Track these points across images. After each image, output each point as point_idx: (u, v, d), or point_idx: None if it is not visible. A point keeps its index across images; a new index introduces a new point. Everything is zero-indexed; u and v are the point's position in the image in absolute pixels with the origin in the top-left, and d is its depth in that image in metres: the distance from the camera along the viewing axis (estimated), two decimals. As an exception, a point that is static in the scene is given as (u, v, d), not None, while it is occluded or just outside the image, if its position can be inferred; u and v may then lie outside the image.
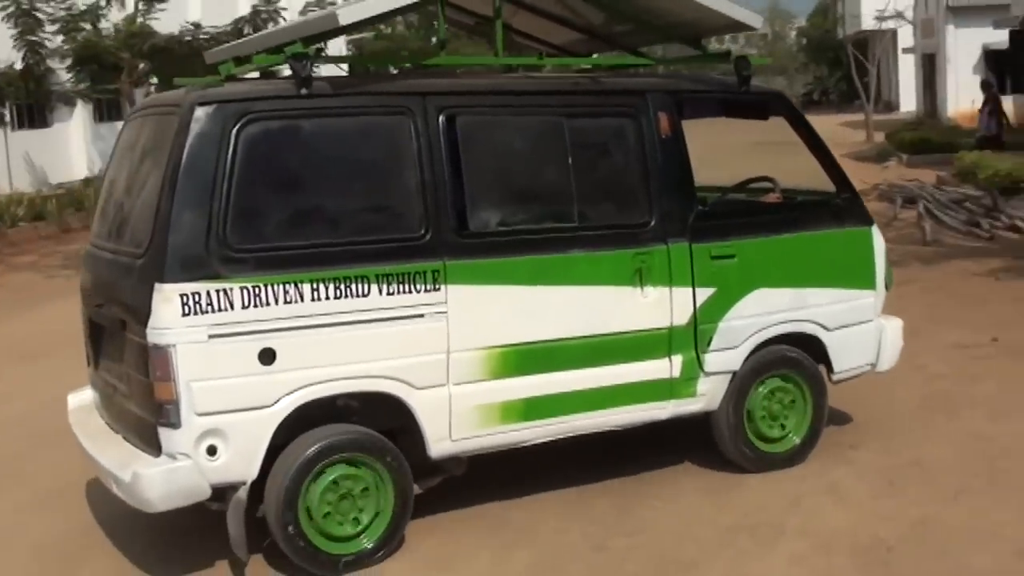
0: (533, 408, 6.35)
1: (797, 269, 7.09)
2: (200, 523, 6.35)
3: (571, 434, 6.62)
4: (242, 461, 5.67)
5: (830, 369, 7.37)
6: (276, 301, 5.65)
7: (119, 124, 32.50)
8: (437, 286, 5.99)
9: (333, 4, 29.60)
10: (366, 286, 5.82)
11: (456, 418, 6.13)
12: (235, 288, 5.57)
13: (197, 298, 5.50)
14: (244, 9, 29.51)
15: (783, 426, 7.18)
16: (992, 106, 26.64)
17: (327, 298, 5.75)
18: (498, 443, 6.38)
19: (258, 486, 5.85)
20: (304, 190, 5.94)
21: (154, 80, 29.67)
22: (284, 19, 28.70)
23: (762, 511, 6.62)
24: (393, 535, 6.05)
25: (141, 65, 28.32)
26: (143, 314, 5.54)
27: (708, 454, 7.26)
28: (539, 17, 7.90)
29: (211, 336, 5.54)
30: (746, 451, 7.07)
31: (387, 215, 6.09)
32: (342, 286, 5.78)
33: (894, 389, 8.29)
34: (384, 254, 5.91)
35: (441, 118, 6.12)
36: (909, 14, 43.22)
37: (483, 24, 8.16)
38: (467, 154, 6.17)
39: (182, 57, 27.61)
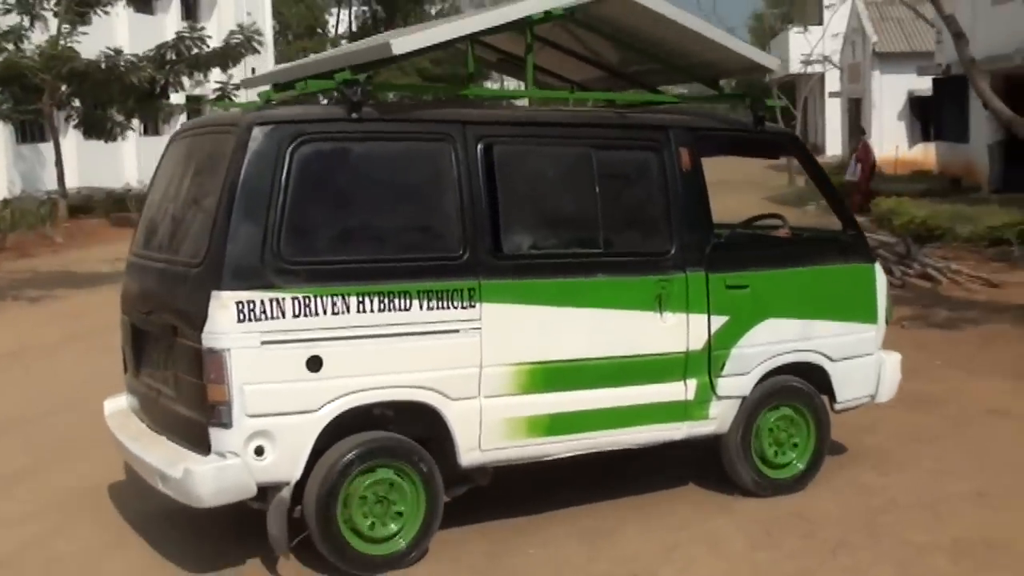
0: (558, 424, 6.65)
1: (805, 301, 7.43)
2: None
3: (592, 451, 6.91)
4: (287, 462, 5.97)
5: (833, 399, 7.67)
6: (324, 312, 5.98)
7: (41, 145, 32.46)
8: (472, 303, 6.32)
9: (257, 33, 29.64)
10: (408, 301, 6.16)
11: (486, 429, 6.43)
12: (287, 298, 5.91)
13: (252, 306, 5.84)
14: (170, 34, 29.34)
15: (787, 453, 7.46)
16: (861, 154, 26.81)
17: (372, 311, 6.08)
18: (524, 455, 6.67)
19: (296, 487, 6.10)
20: (352, 208, 6.25)
21: (75, 103, 29.40)
22: (208, 45, 28.68)
23: (635, 560, 6.48)
24: (425, 537, 6.35)
25: (63, 87, 28.04)
26: (199, 319, 5.86)
27: (585, 498, 7.12)
28: (562, 54, 8.22)
29: (263, 342, 5.87)
30: (753, 475, 7.35)
31: (428, 235, 6.40)
32: (386, 300, 6.11)
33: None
34: (424, 271, 6.24)
35: (479, 146, 6.48)
36: (836, 58, 43.74)
37: (506, 60, 8.64)
38: (502, 180, 6.51)
39: (100, 83, 27.44)
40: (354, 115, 6.22)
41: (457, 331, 6.28)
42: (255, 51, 30.11)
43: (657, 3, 7.18)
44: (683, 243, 6.98)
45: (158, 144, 40.41)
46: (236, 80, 34.01)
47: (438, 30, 6.83)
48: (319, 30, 69.38)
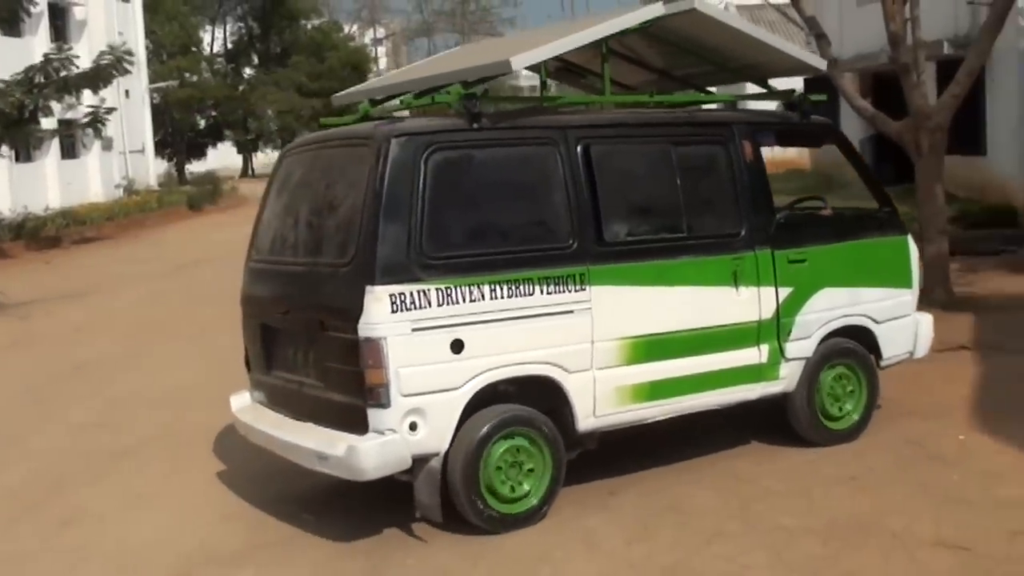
0: (657, 389, 7.46)
1: (853, 271, 8.36)
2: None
3: (685, 412, 7.72)
4: (437, 435, 6.70)
5: (879, 356, 8.60)
6: (463, 300, 6.75)
7: None
8: (583, 286, 7.13)
9: (128, 53, 29.16)
10: (531, 287, 6.96)
11: (599, 397, 7.23)
12: (431, 289, 6.67)
13: (402, 298, 6.57)
14: (39, 57, 28.66)
15: (845, 406, 8.36)
16: None
17: (502, 297, 6.87)
18: (630, 419, 7.48)
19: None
20: (478, 207, 7.06)
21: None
22: (77, 67, 28.11)
23: (515, 563, 6.51)
24: (553, 494, 7.09)
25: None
26: (354, 312, 6.57)
27: (456, 511, 7.06)
28: (616, 60, 8.75)
29: (414, 329, 6.60)
30: (817, 427, 8.24)
31: (542, 228, 7.20)
32: (513, 287, 6.90)
33: (659, 433, 8.23)
34: (542, 260, 7.05)
35: (579, 147, 7.32)
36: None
37: (563, 69, 9.40)
38: (600, 177, 7.31)
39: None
40: (475, 125, 7.02)
41: (572, 311, 7.09)
42: (126, 72, 29.58)
43: (728, 17, 8.31)
44: (751, 225, 7.87)
45: (33, 171, 39.41)
46: (109, 104, 33.60)
47: (547, 47, 7.49)
48: (193, 48, 68.44)
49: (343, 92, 9.22)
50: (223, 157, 71.71)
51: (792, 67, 9.03)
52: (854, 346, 8.42)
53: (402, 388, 6.55)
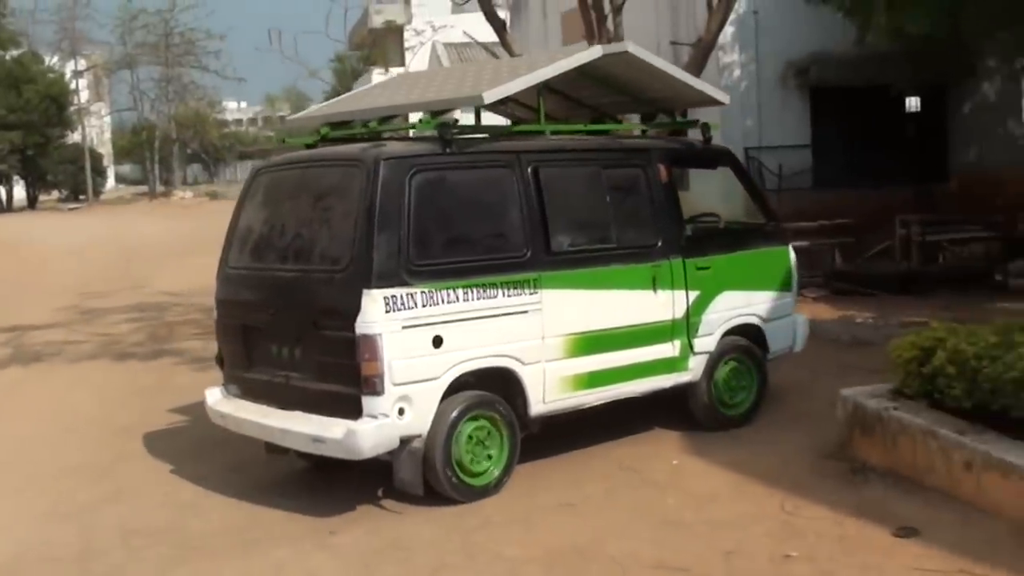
0: (594, 379, 8.50)
1: (746, 277, 9.58)
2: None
3: (615, 398, 8.75)
4: (420, 419, 7.58)
5: (766, 351, 9.75)
6: (443, 301, 7.70)
7: None
8: (535, 290, 8.17)
9: None
10: (495, 290, 7.96)
11: (548, 386, 8.24)
12: (417, 292, 7.59)
13: (394, 299, 7.48)
14: None
15: (738, 395, 9.49)
16: None
17: (472, 299, 7.84)
18: (572, 405, 8.49)
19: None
20: (453, 221, 8.04)
21: None
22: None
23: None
24: (510, 468, 8.04)
25: None
26: (351, 312, 7.42)
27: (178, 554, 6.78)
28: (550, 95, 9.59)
29: (404, 327, 7.49)
30: (715, 414, 9.36)
31: (503, 239, 8.23)
32: (481, 290, 7.89)
33: (378, 466, 8.11)
34: (503, 267, 8.06)
35: (530, 169, 8.34)
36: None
37: (505, 105, 9.83)
38: (547, 195, 8.35)
39: None
40: (447, 150, 8.02)
41: (527, 312, 8.10)
42: None
43: (649, 56, 9.38)
44: (666, 237, 9.02)
45: None
46: None
47: (516, 82, 8.53)
48: None
49: (297, 115, 10.56)
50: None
51: (700, 99, 10.18)
52: (747, 343, 9.58)
53: (393, 378, 7.40)
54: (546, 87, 9.09)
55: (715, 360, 9.31)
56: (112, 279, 23.75)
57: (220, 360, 8.91)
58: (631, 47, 9.18)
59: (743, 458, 8.45)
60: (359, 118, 9.27)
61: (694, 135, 10.05)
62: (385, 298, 7.42)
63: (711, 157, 10.37)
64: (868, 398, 8.18)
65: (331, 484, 8.27)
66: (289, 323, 8.04)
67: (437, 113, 8.45)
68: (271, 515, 7.79)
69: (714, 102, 10.15)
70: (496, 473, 7.94)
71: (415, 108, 8.95)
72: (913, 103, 20.23)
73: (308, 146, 8.97)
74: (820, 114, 19.96)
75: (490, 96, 8.23)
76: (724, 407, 9.42)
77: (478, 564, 6.69)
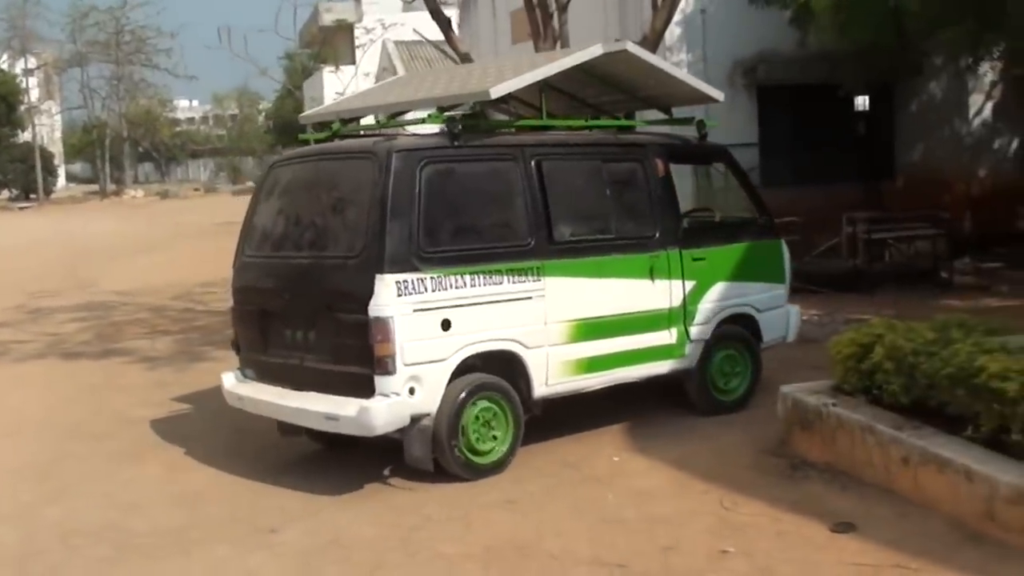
0: (594, 364, 8.86)
1: (741, 268, 9.91)
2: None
3: (614, 383, 9.11)
4: (430, 398, 7.92)
5: (760, 340, 10.14)
6: (451, 287, 8.04)
7: None
8: (539, 277, 8.52)
9: None
10: (500, 277, 8.31)
11: (551, 369, 8.58)
12: (427, 278, 7.93)
13: (406, 284, 7.81)
14: None
15: (732, 381, 9.90)
16: None
17: (479, 285, 8.19)
18: (573, 388, 8.86)
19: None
20: (461, 210, 8.42)
21: None
22: None
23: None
24: (516, 447, 8.40)
25: None
26: (364, 296, 7.75)
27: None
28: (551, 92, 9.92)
29: (414, 310, 7.82)
30: (710, 399, 9.77)
31: (508, 229, 8.59)
32: (487, 276, 8.23)
33: (323, 463, 8.12)
34: (508, 255, 8.43)
35: (533, 162, 8.71)
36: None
37: (504, 102, 10.31)
38: (550, 187, 8.72)
39: None
40: (456, 143, 8.37)
41: (531, 298, 8.45)
42: None
43: (647, 55, 9.89)
44: (664, 228, 9.35)
45: None
46: None
47: (522, 77, 8.89)
48: None
49: (310, 112, 11.02)
50: None
51: (691, 97, 10.60)
52: (741, 331, 9.96)
53: (405, 358, 7.73)
54: (547, 84, 9.39)
55: (711, 348, 9.66)
56: (61, 278, 23.56)
57: (236, 346, 9.22)
58: (630, 46, 9.68)
59: (684, 454, 8.49)
60: (363, 113, 10.02)
61: (685, 131, 10.36)
62: (397, 283, 7.76)
63: (707, 153, 10.75)
64: (808, 394, 8.25)
65: (274, 484, 8.24)
66: (304, 308, 8.37)
67: (445, 109, 8.82)
68: (213, 514, 7.75)
69: (708, 99, 10.47)
70: (502, 451, 8.26)
71: (424, 104, 9.28)
72: (861, 102, 20.36)
73: (318, 141, 9.40)
74: (768, 113, 19.96)
75: (496, 91, 8.52)
76: (719, 393, 9.83)
77: (417, 562, 6.69)
